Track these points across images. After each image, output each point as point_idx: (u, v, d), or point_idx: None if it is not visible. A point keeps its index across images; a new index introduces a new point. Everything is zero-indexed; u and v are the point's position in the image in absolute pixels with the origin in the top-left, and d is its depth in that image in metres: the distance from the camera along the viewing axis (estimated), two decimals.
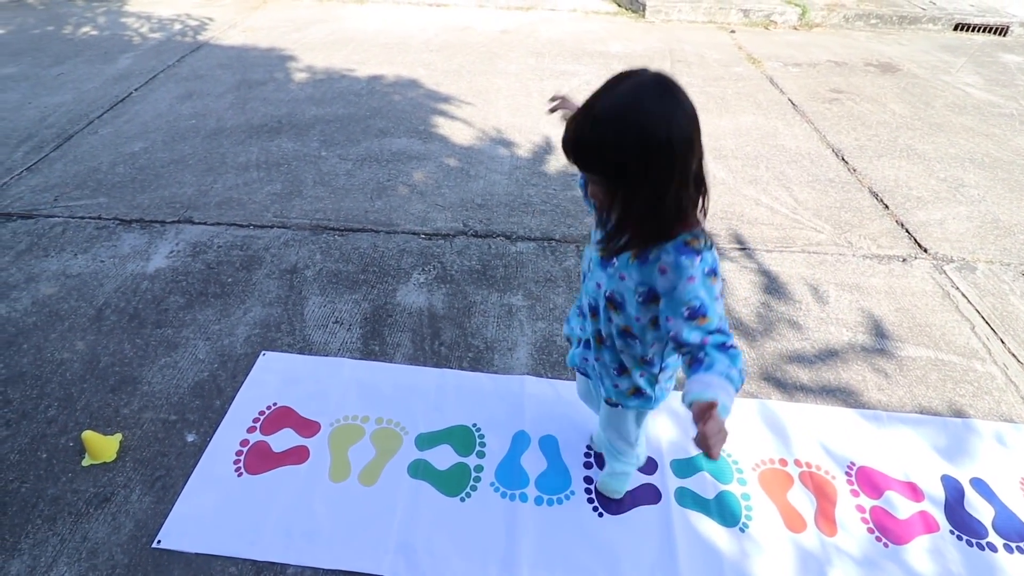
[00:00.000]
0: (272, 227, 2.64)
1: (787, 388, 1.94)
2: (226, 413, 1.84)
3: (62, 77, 4.04)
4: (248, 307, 2.23)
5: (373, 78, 4.12)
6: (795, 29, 5.50)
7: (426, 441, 1.75)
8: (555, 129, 3.48)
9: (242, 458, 1.72)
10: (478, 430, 1.78)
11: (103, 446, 1.74)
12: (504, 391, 1.89)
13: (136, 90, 3.90)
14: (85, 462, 1.73)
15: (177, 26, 5.04)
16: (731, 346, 0.94)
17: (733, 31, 5.35)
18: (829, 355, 2.06)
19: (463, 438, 1.76)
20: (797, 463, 1.70)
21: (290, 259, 2.45)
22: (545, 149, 3.29)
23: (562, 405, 1.85)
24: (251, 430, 1.80)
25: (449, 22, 5.26)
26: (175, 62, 4.33)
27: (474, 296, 2.28)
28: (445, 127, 3.50)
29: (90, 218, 2.71)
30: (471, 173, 3.06)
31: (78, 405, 1.89)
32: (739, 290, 2.32)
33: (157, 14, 5.31)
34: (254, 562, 1.49)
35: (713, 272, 0.94)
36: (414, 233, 2.62)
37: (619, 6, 5.90)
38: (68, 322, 2.18)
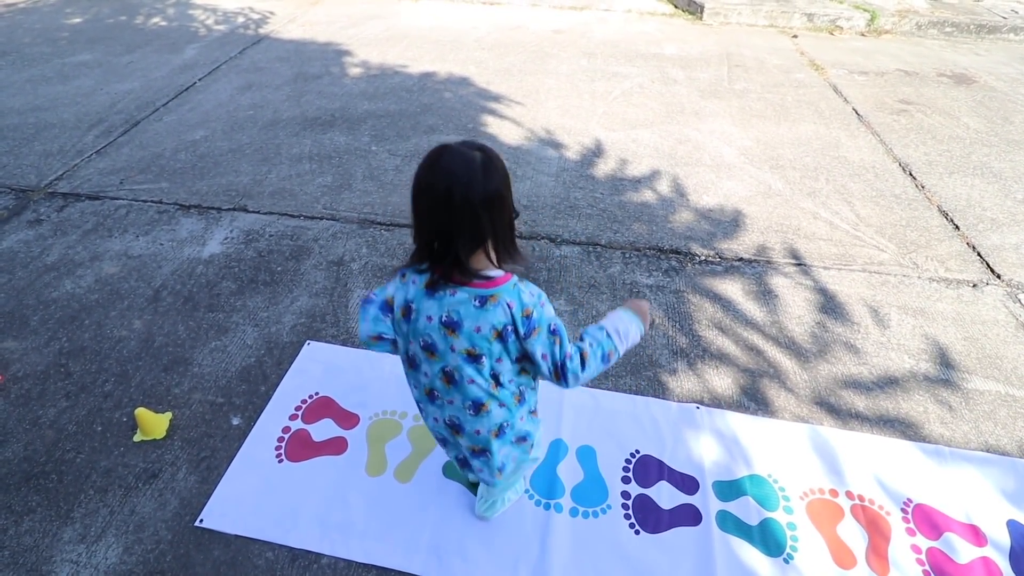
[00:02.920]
0: (321, 218, 2.69)
1: (841, 415, 1.84)
2: (270, 399, 1.88)
3: (132, 65, 4.23)
4: (295, 296, 2.28)
5: (425, 75, 4.15)
6: (862, 35, 5.25)
7: None
8: (605, 132, 3.43)
9: (283, 445, 1.76)
10: None
11: (154, 424, 1.81)
12: (544, 398, 1.87)
13: (200, 80, 4.05)
14: (136, 438, 1.80)
15: (240, 19, 5.21)
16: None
17: (795, 36, 5.15)
18: (888, 383, 1.95)
19: None
20: (849, 495, 1.62)
21: (337, 251, 2.50)
22: (594, 152, 3.24)
23: (601, 416, 1.81)
24: (293, 418, 1.83)
25: (502, 21, 5.25)
26: (237, 54, 4.48)
27: None
28: (494, 126, 3.49)
29: (152, 202, 2.83)
30: (518, 173, 3.04)
31: (133, 382, 1.97)
32: (792, 307, 2.23)
33: (222, 7, 5.51)
34: (290, 549, 1.51)
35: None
36: None
37: (675, 7, 5.77)
38: (127, 301, 2.27)
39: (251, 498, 1.63)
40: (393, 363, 1.99)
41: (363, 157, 3.17)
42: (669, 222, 2.69)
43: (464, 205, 0.94)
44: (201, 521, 1.58)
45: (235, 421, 1.83)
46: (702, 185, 2.96)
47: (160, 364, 2.03)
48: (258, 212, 2.74)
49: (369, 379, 1.93)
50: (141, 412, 1.78)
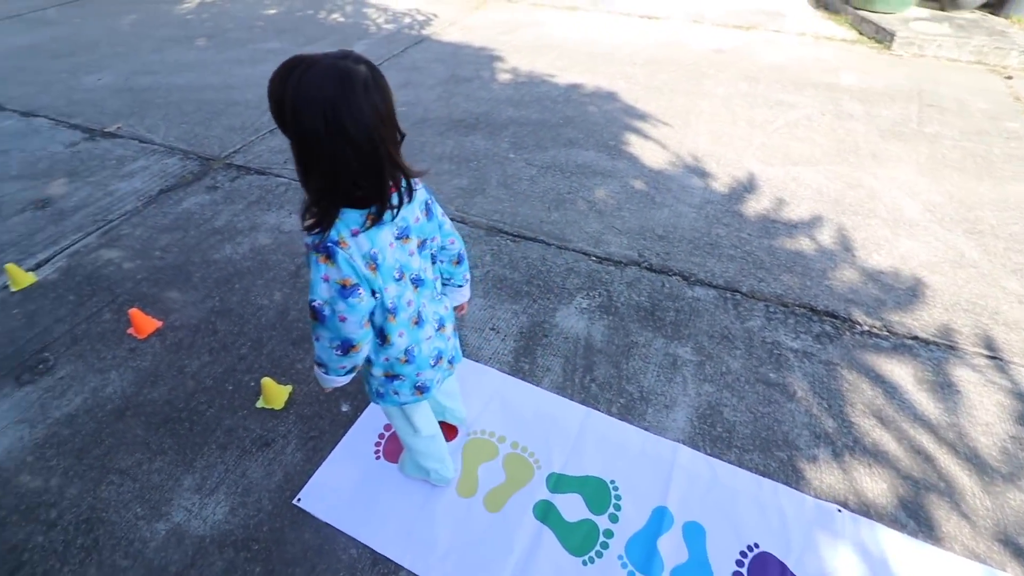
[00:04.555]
0: (451, 219, 2.72)
1: None
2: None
3: None
4: None
5: (572, 86, 4.09)
6: None
7: (558, 483, 1.63)
8: (761, 165, 3.12)
9: (383, 443, 1.77)
10: (615, 489, 1.61)
11: (276, 394, 1.91)
12: (652, 454, 1.70)
13: None
14: (258, 404, 1.92)
15: (407, 19, 5.54)
16: None
17: (1010, 77, 4.35)
18: None
19: (598, 493, 1.61)
20: None
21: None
22: (746, 186, 2.95)
23: (717, 490, 1.60)
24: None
25: (658, 36, 5.04)
26: (400, 52, 4.75)
27: (637, 336, 2.10)
28: (637, 145, 3.33)
29: None
30: (656, 200, 2.86)
31: (264, 350, 2.11)
32: (980, 411, 1.82)
33: (393, 7, 5.90)
34: (372, 551, 1.51)
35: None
36: (585, 253, 2.51)
37: (860, 33, 5.16)
38: (273, 272, 2.46)
39: (346, 489, 1.65)
40: (498, 382, 1.94)
41: (500, 164, 3.17)
42: (828, 279, 2.35)
43: (389, 119, 0.93)
44: (299, 500, 1.63)
45: (344, 408, 1.88)
46: (873, 241, 2.57)
47: (290, 337, 2.15)
48: None
49: (473, 394, 1.88)
50: (267, 381, 1.90)
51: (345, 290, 0.98)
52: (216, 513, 1.61)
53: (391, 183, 0.96)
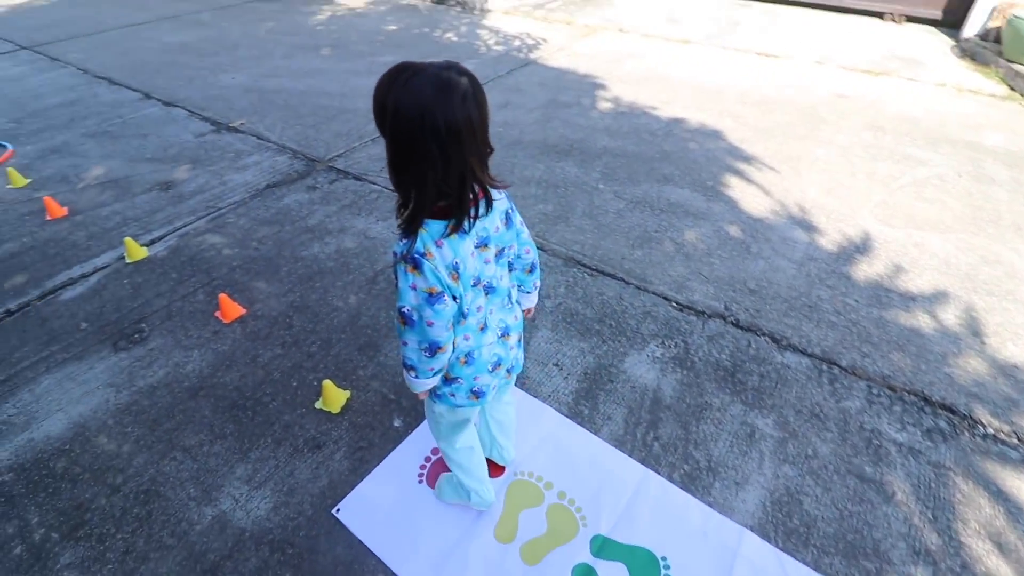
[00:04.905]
0: None
1: None
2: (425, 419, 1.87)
3: None
4: None
5: (674, 120, 3.94)
6: None
7: (603, 548, 1.50)
8: (879, 225, 2.80)
9: (427, 467, 1.72)
10: (666, 568, 1.45)
11: (335, 397, 1.93)
12: (714, 536, 1.52)
13: None
14: (317, 404, 1.95)
15: (516, 43, 5.65)
16: None
17: None
18: None
19: (646, 568, 1.45)
20: None
21: None
22: (858, 246, 2.66)
23: None
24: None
25: (775, 75, 4.77)
26: (505, 73, 4.83)
27: (713, 397, 1.92)
28: (736, 189, 3.12)
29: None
30: (752, 250, 2.64)
31: (332, 351, 2.15)
32: None
33: (505, 30, 6.05)
34: None
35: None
36: (666, 298, 2.35)
37: (1011, 88, 4.58)
38: (352, 276, 2.52)
39: (384, 508, 1.62)
40: (554, 422, 1.83)
41: (588, 193, 3.09)
42: (948, 365, 2.04)
43: (481, 131, 0.97)
44: (338, 510, 1.62)
45: (396, 423, 1.86)
46: (1010, 328, 2.20)
47: (357, 343, 2.18)
48: None
49: (526, 431, 1.79)
50: (328, 384, 1.92)
51: (432, 298, 1.04)
52: (260, 508, 1.63)
53: (472, 195, 1.00)
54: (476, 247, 1.09)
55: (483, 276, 1.14)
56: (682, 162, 3.40)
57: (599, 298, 2.35)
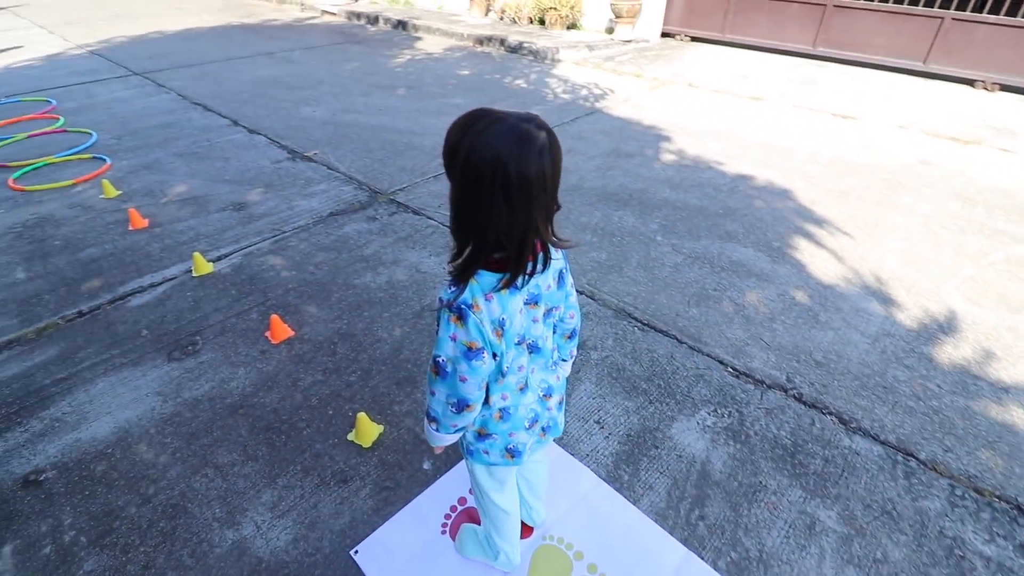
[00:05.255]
0: (581, 293, 2.60)
1: None
2: (456, 465, 1.79)
3: None
4: None
5: (740, 177, 3.83)
6: None
7: None
8: (966, 304, 2.56)
9: (452, 518, 1.64)
10: None
11: (368, 431, 1.90)
12: None
13: None
14: (349, 436, 1.91)
15: (584, 92, 5.74)
16: None
17: None
18: None
19: None
20: None
21: (583, 333, 2.35)
22: (942, 326, 2.43)
23: None
24: (472, 491, 1.71)
25: (852, 137, 4.58)
26: (569, 121, 4.90)
27: (768, 478, 1.75)
28: (805, 252, 2.95)
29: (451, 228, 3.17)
30: (820, 318, 2.46)
31: (371, 383, 2.13)
32: None
33: (573, 79, 6.18)
34: None
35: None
36: (721, 362, 2.21)
37: None
38: (399, 308, 2.53)
39: (403, 556, 1.54)
40: (591, 486, 1.71)
41: (645, 244, 3.01)
42: None
43: (551, 188, 0.93)
44: (356, 552, 1.56)
45: (426, 466, 1.80)
46: None
47: (396, 376, 2.16)
48: None
49: (560, 491, 1.68)
50: (362, 417, 1.89)
51: (470, 352, 0.99)
52: (280, 538, 1.59)
53: (532, 251, 0.96)
54: (525, 303, 1.04)
55: (529, 334, 1.09)
56: (747, 220, 3.27)
57: (649, 355, 2.24)
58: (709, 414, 1.97)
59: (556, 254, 1.07)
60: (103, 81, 5.87)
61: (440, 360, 1.01)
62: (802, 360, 2.22)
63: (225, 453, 1.84)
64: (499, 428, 1.16)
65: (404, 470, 1.79)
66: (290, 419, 1.97)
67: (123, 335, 2.36)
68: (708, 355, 2.24)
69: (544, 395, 1.20)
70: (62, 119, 4.70)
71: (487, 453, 1.20)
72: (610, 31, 7.99)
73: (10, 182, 3.62)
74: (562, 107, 5.26)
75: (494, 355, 1.03)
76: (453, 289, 0.97)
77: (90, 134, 4.40)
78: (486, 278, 0.97)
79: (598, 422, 1.94)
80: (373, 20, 9.24)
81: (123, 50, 7.20)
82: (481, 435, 1.18)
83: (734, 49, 7.37)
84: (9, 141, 4.27)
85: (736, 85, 5.82)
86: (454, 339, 0.98)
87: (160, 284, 2.68)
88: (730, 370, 2.17)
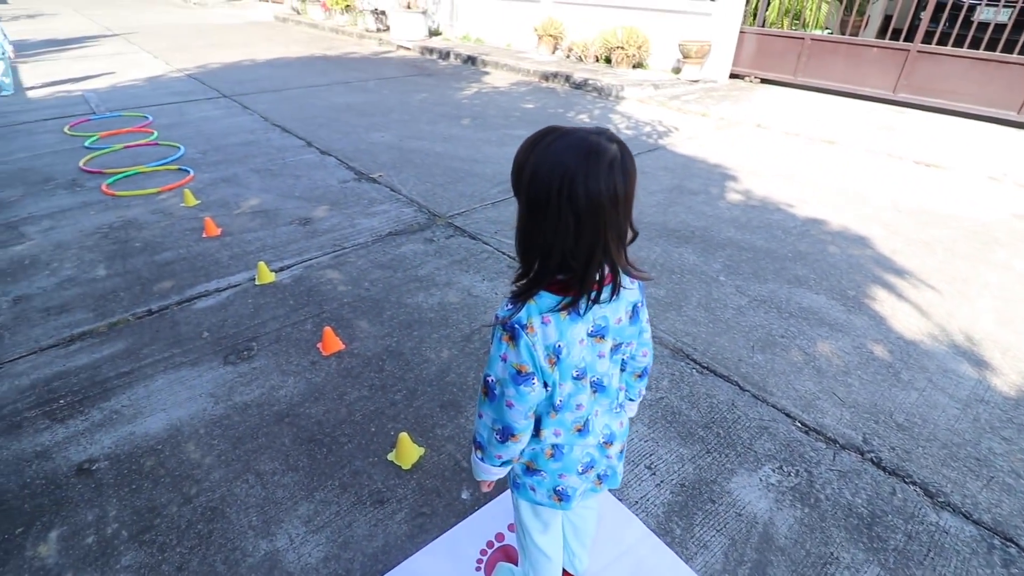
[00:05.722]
0: None
1: None
2: (497, 498, 1.71)
3: None
4: None
5: (812, 220, 3.64)
6: None
7: None
8: None
9: (488, 554, 1.55)
10: None
11: (408, 452, 1.85)
12: None
13: None
14: (389, 456, 1.87)
15: (647, 128, 5.70)
16: None
17: None
18: None
19: None
20: None
21: None
22: None
23: None
24: (512, 527, 1.61)
25: (936, 186, 4.29)
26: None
27: (840, 550, 1.56)
28: (885, 304, 2.73)
29: (508, 256, 3.15)
30: (902, 377, 2.24)
31: (415, 403, 2.09)
32: None
33: (637, 116, 6.17)
34: None
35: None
36: (788, 415, 2.04)
37: None
38: (449, 330, 2.50)
39: None
40: (639, 536, 1.58)
41: (706, 284, 2.88)
42: None
43: (624, 205, 0.86)
44: None
45: (464, 495, 1.73)
46: None
47: (440, 399, 2.11)
48: None
49: (603, 540, 1.56)
50: (403, 437, 1.85)
51: (519, 376, 0.93)
52: (312, 555, 1.55)
53: (600, 276, 0.88)
54: (590, 335, 0.96)
55: (591, 370, 1.00)
56: (818, 265, 3.08)
57: (707, 400, 2.09)
58: (774, 471, 1.80)
59: (631, 284, 0.99)
60: (195, 101, 6.36)
61: (490, 380, 0.96)
62: (881, 421, 2.01)
63: (267, 461, 1.84)
64: (549, 466, 1.08)
65: (442, 497, 1.72)
66: (333, 432, 1.96)
67: (185, 335, 2.44)
68: (774, 406, 2.07)
69: (605, 442, 1.11)
70: (155, 133, 5.10)
71: (534, 490, 1.11)
72: (676, 71, 7.98)
73: (104, 187, 3.92)
74: (625, 142, 5.22)
75: (546, 385, 0.96)
76: (510, 307, 0.92)
77: (178, 148, 4.74)
78: (546, 299, 0.91)
79: (649, 467, 1.81)
80: (444, 55, 9.65)
81: (217, 74, 7.82)
82: (530, 469, 1.10)
83: (806, 92, 7.17)
84: (107, 150, 4.66)
85: (808, 128, 5.62)
86: (504, 359, 0.93)
87: (225, 290, 2.78)
88: (798, 424, 2.00)
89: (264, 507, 1.68)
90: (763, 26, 7.57)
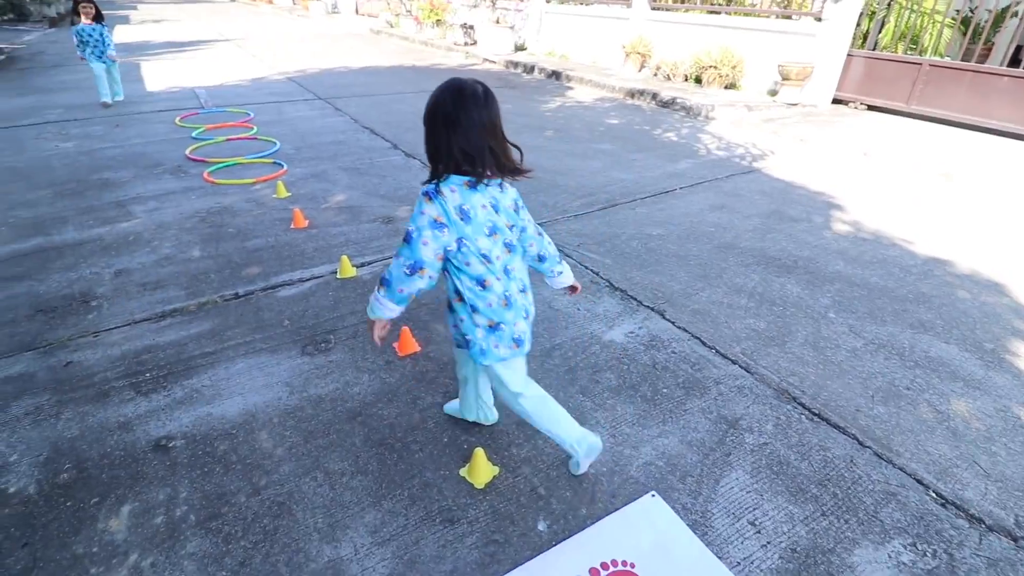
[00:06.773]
0: (735, 363, 2.26)
1: None
2: (581, 532, 1.54)
3: (634, 162, 4.86)
4: (666, 430, 1.90)
5: (933, 259, 3.24)
6: None
7: None
8: None
9: None
10: None
11: (482, 470, 1.72)
12: None
13: (680, 188, 4.29)
14: (462, 471, 1.74)
15: (740, 150, 5.39)
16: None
17: None
18: None
19: None
20: None
21: (736, 409, 2.01)
22: None
23: None
24: (593, 572, 1.44)
25: None
26: (723, 177, 4.58)
27: None
28: (1023, 355, 2.35)
29: (591, 271, 2.99)
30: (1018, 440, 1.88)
31: (505, 421, 1.96)
32: None
33: (728, 137, 5.86)
34: None
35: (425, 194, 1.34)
36: (920, 482, 1.74)
37: None
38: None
39: None
40: None
41: (813, 320, 2.59)
42: None
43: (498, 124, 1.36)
44: None
45: (541, 526, 1.57)
46: None
47: (517, 416, 1.97)
48: (673, 323, 2.53)
49: None
50: (479, 453, 1.72)
51: (435, 223, 1.32)
52: (376, 569, 1.44)
53: (489, 169, 1.34)
54: (487, 208, 1.36)
55: (499, 230, 1.39)
56: (945, 311, 2.71)
57: (821, 453, 1.83)
58: (905, 547, 1.53)
59: (511, 185, 1.46)
60: (293, 102, 6.67)
61: (410, 230, 1.33)
62: None
63: (337, 460, 1.76)
64: (506, 316, 1.43)
65: (516, 526, 1.57)
66: (404, 438, 1.86)
67: (268, 322, 2.45)
68: (902, 469, 1.78)
69: (522, 289, 1.50)
70: (255, 128, 5.36)
71: (497, 347, 1.45)
72: (773, 93, 7.57)
73: (205, 175, 4.13)
74: (715, 163, 4.96)
75: (459, 239, 1.34)
76: (430, 183, 1.34)
77: (274, 143, 4.95)
78: (454, 178, 1.34)
79: (753, 524, 1.58)
80: (529, 69, 9.70)
81: (314, 79, 8.21)
82: (491, 327, 1.43)
83: (921, 122, 6.58)
84: (211, 142, 4.93)
85: (926, 160, 5.11)
86: (424, 213, 1.32)
87: (308, 280, 2.80)
88: (933, 495, 1.70)
89: (331, 509, 1.60)
90: (874, 49, 7.05)
